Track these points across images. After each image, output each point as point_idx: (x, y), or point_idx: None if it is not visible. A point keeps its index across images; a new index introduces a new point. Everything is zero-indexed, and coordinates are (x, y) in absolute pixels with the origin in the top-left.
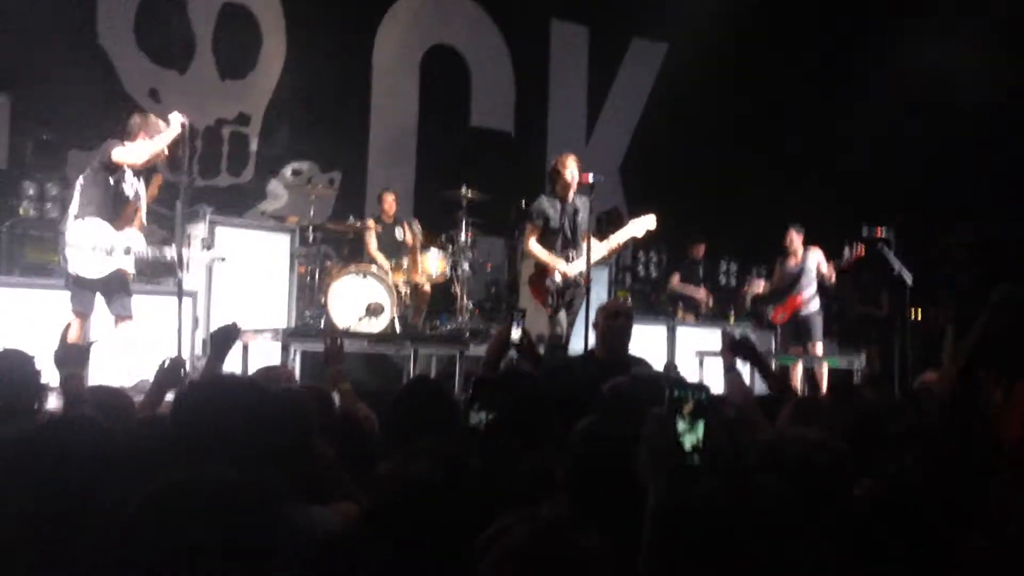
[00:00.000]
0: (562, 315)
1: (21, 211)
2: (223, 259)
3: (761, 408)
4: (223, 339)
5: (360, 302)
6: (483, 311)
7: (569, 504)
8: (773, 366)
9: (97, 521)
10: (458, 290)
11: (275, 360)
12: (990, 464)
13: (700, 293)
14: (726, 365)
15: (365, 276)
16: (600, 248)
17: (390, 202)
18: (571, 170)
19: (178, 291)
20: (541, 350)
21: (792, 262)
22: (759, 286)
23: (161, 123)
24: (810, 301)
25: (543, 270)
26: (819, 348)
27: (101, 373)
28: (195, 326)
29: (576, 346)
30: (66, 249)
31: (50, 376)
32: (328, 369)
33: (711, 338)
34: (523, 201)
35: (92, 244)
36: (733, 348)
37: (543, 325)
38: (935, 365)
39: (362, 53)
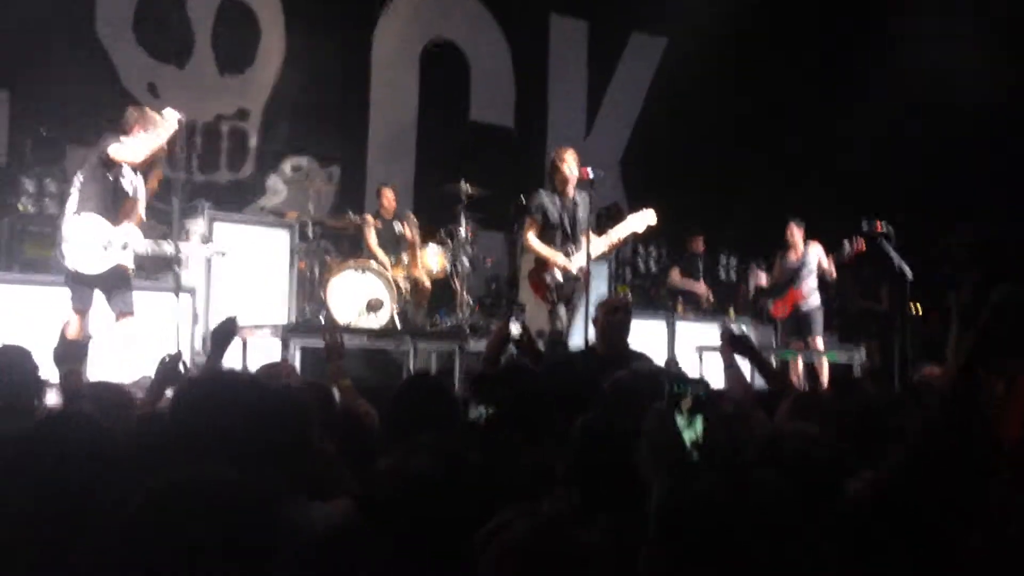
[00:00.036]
0: (562, 310)
1: (20, 207)
2: (223, 253)
3: (760, 404)
4: (224, 335)
5: (360, 298)
6: (483, 307)
7: (570, 499)
8: (773, 361)
9: (96, 519)
10: (458, 285)
11: (275, 356)
12: (990, 463)
13: (700, 287)
14: (725, 361)
15: (364, 272)
16: (600, 243)
17: (389, 198)
18: (570, 165)
19: (175, 287)
20: (541, 346)
21: (792, 256)
22: (760, 278)
23: (157, 116)
24: (810, 295)
25: (543, 265)
26: (820, 343)
27: (102, 369)
28: (195, 322)
29: (576, 341)
30: (63, 245)
31: (49, 372)
32: (328, 365)
33: (711, 333)
34: (522, 196)
35: (89, 240)
36: (732, 344)
37: (543, 320)
38: (938, 360)
39: (361, 48)
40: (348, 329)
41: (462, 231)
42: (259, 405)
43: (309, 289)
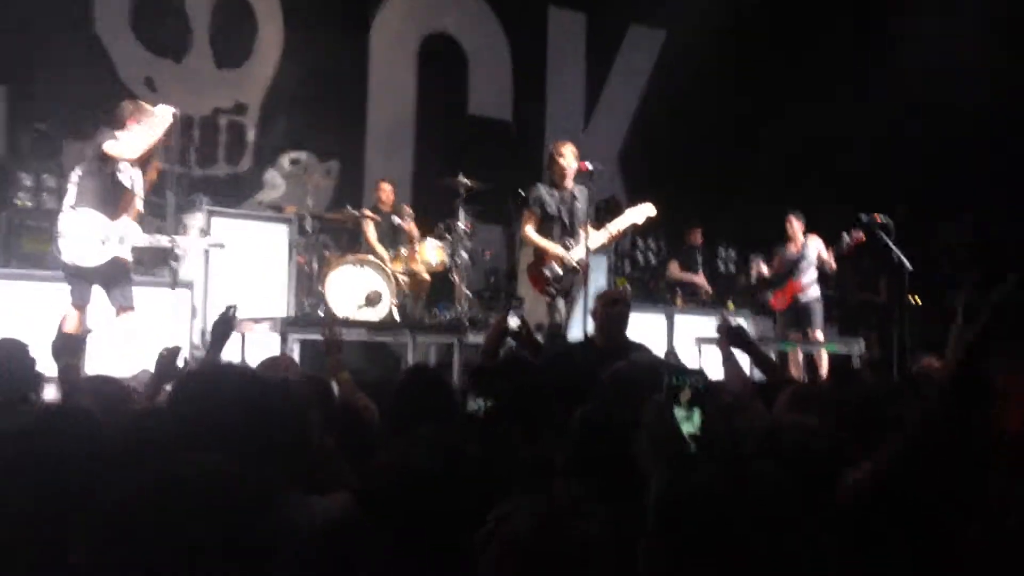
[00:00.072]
0: (560, 303)
1: (17, 202)
2: (221, 245)
3: (759, 395)
4: (223, 328)
5: (358, 291)
6: (482, 300)
7: (569, 491)
8: (773, 352)
9: (94, 514)
10: (456, 279)
11: (274, 350)
12: (988, 455)
13: (699, 279)
14: (723, 354)
15: (363, 265)
16: (598, 236)
17: (387, 191)
18: (568, 158)
19: (172, 280)
20: (540, 338)
21: (792, 248)
22: (762, 267)
23: (151, 108)
24: (809, 287)
25: (541, 258)
26: (819, 335)
27: (102, 364)
28: (193, 316)
29: (575, 334)
30: (60, 239)
31: (47, 366)
32: (327, 359)
33: (710, 325)
34: (520, 189)
35: (86, 233)
36: (728, 337)
37: (542, 313)
38: (938, 352)
39: (359, 42)
40: (347, 323)
41: (460, 225)
42: (258, 399)
43: (308, 283)
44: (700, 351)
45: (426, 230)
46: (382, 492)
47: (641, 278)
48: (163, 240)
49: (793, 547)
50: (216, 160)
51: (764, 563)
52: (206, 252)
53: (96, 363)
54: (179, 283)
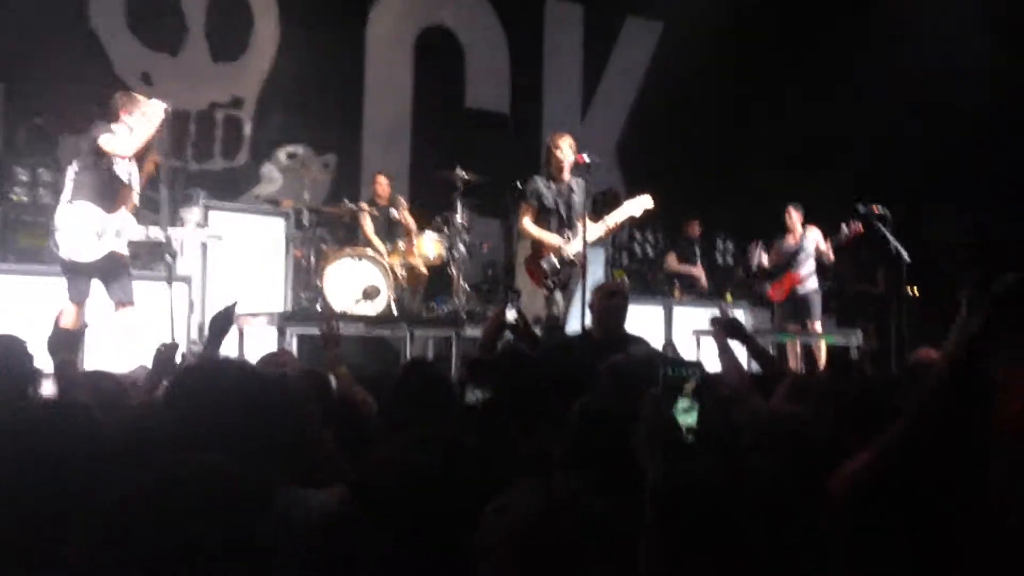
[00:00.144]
0: (558, 296)
1: (14, 197)
2: (219, 237)
3: (756, 387)
4: (222, 323)
5: (356, 285)
6: (479, 293)
7: (567, 483)
8: (771, 344)
9: (91, 511)
10: (454, 272)
11: (271, 344)
12: (988, 446)
13: (697, 271)
14: (719, 346)
15: (360, 259)
16: (597, 228)
17: (384, 185)
18: (565, 150)
19: (168, 274)
20: (538, 331)
21: (790, 240)
22: (762, 256)
23: (143, 99)
24: (808, 279)
25: (539, 251)
26: (818, 326)
27: (101, 359)
28: (191, 311)
29: (573, 327)
30: (56, 234)
31: (44, 362)
32: (325, 353)
33: (708, 317)
34: (518, 182)
35: (82, 227)
36: (724, 329)
37: (539, 306)
38: (936, 344)
39: (356, 35)
40: (344, 317)
41: (458, 218)
42: (256, 394)
43: (305, 277)
44: (698, 343)
45: (424, 223)
46: (379, 486)
47: (639, 270)
48: (159, 233)
49: (790, 539)
50: (213, 154)
51: (762, 555)
52: (203, 246)
53: (95, 359)
54: (175, 278)
